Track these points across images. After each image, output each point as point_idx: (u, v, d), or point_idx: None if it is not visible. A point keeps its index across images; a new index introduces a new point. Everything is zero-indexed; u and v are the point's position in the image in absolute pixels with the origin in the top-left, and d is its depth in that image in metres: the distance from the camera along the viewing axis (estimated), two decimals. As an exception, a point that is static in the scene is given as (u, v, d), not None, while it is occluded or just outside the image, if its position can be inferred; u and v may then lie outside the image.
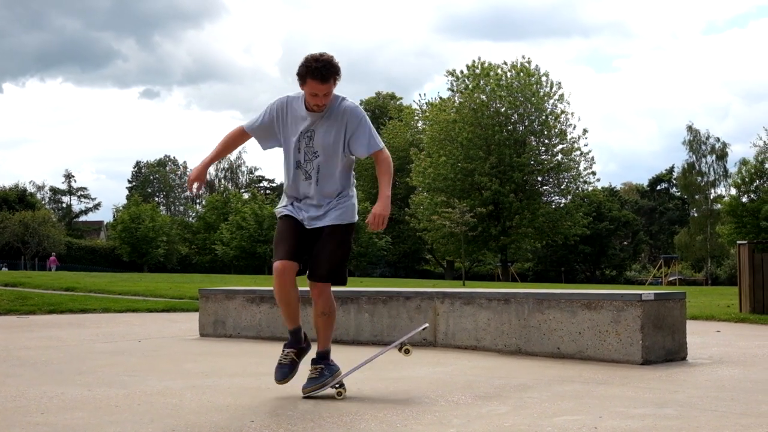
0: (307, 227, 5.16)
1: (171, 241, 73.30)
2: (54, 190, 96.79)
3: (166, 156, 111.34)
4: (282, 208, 5.30)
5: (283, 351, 5.28)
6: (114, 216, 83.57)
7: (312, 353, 5.37)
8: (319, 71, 4.92)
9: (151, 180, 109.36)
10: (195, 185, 5.31)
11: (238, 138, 5.40)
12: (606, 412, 4.56)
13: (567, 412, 4.62)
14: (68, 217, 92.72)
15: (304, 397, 5.12)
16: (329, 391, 5.15)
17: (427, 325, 5.88)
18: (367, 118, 5.22)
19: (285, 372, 5.22)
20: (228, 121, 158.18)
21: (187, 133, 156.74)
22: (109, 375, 6.25)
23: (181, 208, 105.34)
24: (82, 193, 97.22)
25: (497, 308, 7.70)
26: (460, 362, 6.97)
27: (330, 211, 5.17)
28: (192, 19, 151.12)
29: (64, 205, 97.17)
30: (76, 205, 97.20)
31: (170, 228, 73.97)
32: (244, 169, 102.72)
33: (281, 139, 5.25)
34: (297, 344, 5.30)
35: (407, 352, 5.34)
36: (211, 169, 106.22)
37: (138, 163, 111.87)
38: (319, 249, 5.18)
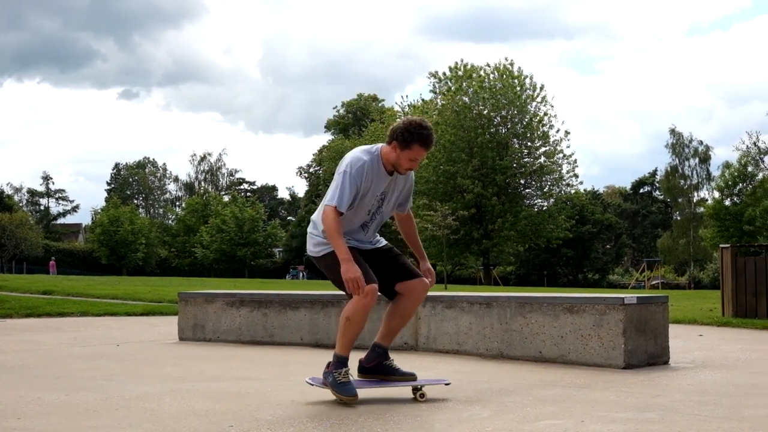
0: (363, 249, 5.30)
1: (150, 244, 73.10)
2: (31, 192, 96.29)
3: (145, 158, 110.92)
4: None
5: (338, 371, 5.06)
6: (92, 218, 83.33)
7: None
8: (428, 138, 5.10)
9: (131, 182, 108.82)
10: (361, 281, 5.00)
11: (340, 221, 5.07)
12: (588, 417, 4.58)
13: (549, 416, 4.64)
14: (46, 220, 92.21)
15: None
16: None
17: (449, 381, 5.49)
18: None
19: (353, 387, 5.04)
20: (208, 122, 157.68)
21: (166, 135, 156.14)
22: (87, 379, 6.21)
23: (161, 210, 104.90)
24: (60, 195, 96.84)
25: (479, 312, 7.72)
26: (441, 366, 6.97)
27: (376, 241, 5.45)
28: (172, 20, 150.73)
29: (41, 208, 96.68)
30: (54, 208, 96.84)
31: (149, 231, 73.78)
32: (224, 171, 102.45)
33: (356, 201, 5.14)
34: (346, 366, 5.12)
35: (422, 396, 5.19)
36: (191, 171, 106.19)
37: (117, 165, 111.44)
38: (392, 253, 5.44)
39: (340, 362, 5.09)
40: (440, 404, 5.04)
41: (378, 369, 5.34)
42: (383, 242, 5.47)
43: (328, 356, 5.42)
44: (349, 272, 4.95)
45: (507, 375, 6.42)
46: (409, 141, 5.07)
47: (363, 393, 5.15)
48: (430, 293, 6.74)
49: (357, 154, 5.19)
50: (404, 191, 5.41)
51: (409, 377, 5.30)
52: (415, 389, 5.24)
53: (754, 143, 60.48)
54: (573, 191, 63.73)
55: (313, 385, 5.23)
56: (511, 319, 7.46)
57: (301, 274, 68.21)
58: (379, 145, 5.30)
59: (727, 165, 60.00)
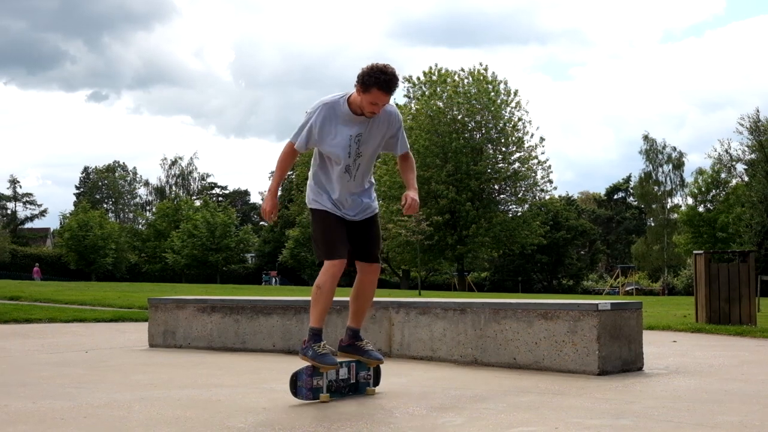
0: (349, 220, 5.60)
1: (120, 249, 72.64)
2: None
3: (115, 161, 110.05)
4: (322, 203, 5.58)
5: (315, 344, 5.44)
6: (61, 223, 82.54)
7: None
8: (387, 83, 5.28)
9: (100, 186, 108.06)
10: (273, 215, 5.61)
11: (292, 157, 5.63)
12: (562, 423, 4.60)
13: (523, 423, 4.65)
14: (13, 224, 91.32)
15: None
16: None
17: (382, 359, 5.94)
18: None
19: (332, 357, 5.43)
20: (178, 126, 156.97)
21: (136, 138, 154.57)
22: (55, 387, 6.16)
23: (131, 215, 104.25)
24: (28, 199, 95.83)
25: (453, 318, 7.73)
26: (415, 373, 6.97)
27: (365, 202, 5.68)
28: (142, 21, 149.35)
29: (8, 212, 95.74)
30: (22, 212, 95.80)
31: (119, 235, 73.32)
32: (196, 175, 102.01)
33: (320, 143, 5.50)
34: (322, 339, 5.49)
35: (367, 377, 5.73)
36: (162, 175, 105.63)
37: (86, 169, 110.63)
38: (369, 235, 5.69)
39: (316, 335, 5.46)
40: (414, 411, 5.04)
41: (351, 349, 5.74)
42: (371, 212, 5.72)
43: (301, 363, 5.43)
44: (265, 203, 5.50)
45: (481, 381, 6.43)
46: (368, 85, 5.29)
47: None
48: (403, 299, 6.79)
49: (324, 98, 5.53)
50: (388, 133, 5.61)
51: (375, 361, 5.73)
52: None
53: (726, 150, 61.10)
54: (547, 197, 64.08)
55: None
56: (485, 325, 7.48)
57: (273, 280, 68.09)
58: (346, 92, 5.52)
59: (700, 171, 60.64)
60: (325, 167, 5.59)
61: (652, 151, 70.22)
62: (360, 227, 5.67)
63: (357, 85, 5.36)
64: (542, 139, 57.49)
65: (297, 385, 5.39)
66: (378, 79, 5.25)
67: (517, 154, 57.07)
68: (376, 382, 5.86)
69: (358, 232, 5.66)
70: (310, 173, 5.74)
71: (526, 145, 56.89)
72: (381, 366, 5.88)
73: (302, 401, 5.36)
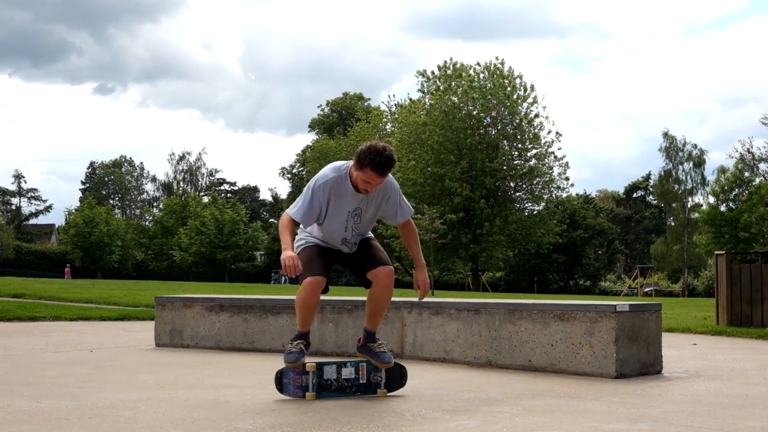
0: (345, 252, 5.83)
1: (126, 246, 72.80)
2: (2, 192, 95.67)
3: (122, 156, 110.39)
4: (310, 241, 5.79)
5: (292, 342, 5.76)
6: (66, 219, 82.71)
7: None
8: (380, 166, 5.43)
9: (106, 181, 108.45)
10: (299, 266, 5.53)
11: (294, 228, 5.72)
12: (578, 427, 4.59)
13: (538, 427, 4.65)
14: (17, 220, 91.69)
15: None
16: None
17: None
18: (399, 188, 5.89)
19: (296, 356, 5.69)
20: (186, 120, 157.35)
21: (143, 133, 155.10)
22: (59, 386, 6.19)
23: (137, 211, 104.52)
24: (33, 194, 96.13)
25: (467, 319, 7.73)
26: (428, 375, 6.98)
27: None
28: (149, 13, 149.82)
29: (13, 207, 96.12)
30: (26, 208, 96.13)
31: (125, 232, 73.47)
32: (204, 170, 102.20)
33: (323, 214, 5.66)
34: (305, 339, 5.79)
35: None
36: (169, 170, 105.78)
37: (92, 164, 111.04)
38: (368, 248, 5.84)
39: (297, 335, 5.80)
40: (426, 414, 5.04)
41: (365, 350, 5.90)
42: (363, 238, 5.90)
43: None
44: (284, 257, 5.44)
45: (495, 384, 6.43)
46: (363, 164, 5.45)
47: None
48: (415, 299, 6.84)
49: (326, 170, 5.68)
50: (384, 205, 5.77)
51: (384, 364, 5.83)
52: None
53: (748, 150, 60.82)
54: (564, 195, 63.89)
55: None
56: (499, 326, 7.47)
57: (283, 279, 68.14)
58: (350, 162, 5.66)
59: (722, 170, 60.31)
60: (329, 237, 5.77)
61: (672, 148, 69.91)
62: (357, 252, 5.86)
63: (354, 160, 5.53)
64: (559, 135, 57.25)
65: (283, 382, 5.71)
66: (372, 161, 5.40)
67: (534, 151, 56.84)
68: (391, 386, 5.90)
69: (356, 255, 5.85)
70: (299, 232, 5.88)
71: (543, 142, 56.70)
72: (403, 370, 5.95)
73: (288, 397, 5.67)
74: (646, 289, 60.75)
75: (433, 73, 58.54)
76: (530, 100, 56.33)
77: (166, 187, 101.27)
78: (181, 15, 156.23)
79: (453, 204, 53.61)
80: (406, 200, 5.89)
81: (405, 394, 5.87)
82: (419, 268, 5.95)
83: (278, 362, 7.96)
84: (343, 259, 5.87)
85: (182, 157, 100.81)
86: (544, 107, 64.16)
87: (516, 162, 56.87)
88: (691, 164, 70.08)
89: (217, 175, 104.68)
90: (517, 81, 56.32)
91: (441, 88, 57.02)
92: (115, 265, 70.95)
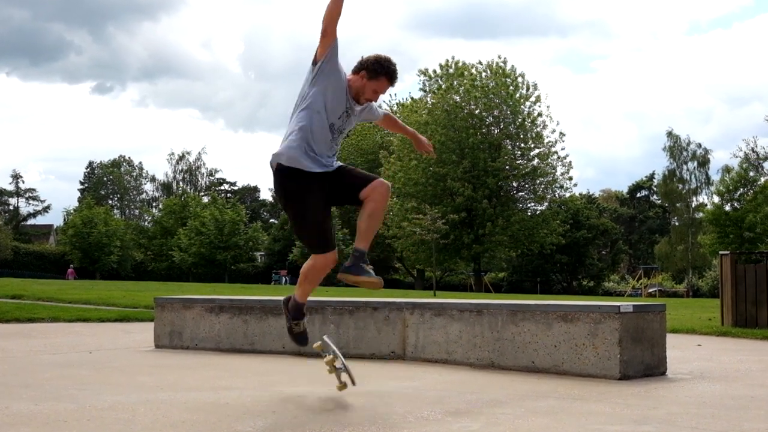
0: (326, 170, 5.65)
1: (125, 246, 72.80)
2: (0, 192, 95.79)
3: (120, 156, 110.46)
4: (299, 160, 5.52)
5: (296, 322, 6.02)
6: (65, 219, 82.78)
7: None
8: (394, 74, 5.62)
9: (105, 181, 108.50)
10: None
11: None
12: (582, 429, 4.59)
13: (541, 429, 4.64)
14: (15, 221, 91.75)
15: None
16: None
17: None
18: None
19: (307, 336, 6.06)
20: (186, 119, 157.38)
21: (142, 132, 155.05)
22: (58, 388, 6.18)
23: (137, 211, 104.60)
24: (31, 194, 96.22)
25: (469, 320, 7.72)
26: (430, 376, 6.97)
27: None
28: (148, 11, 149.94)
29: (11, 208, 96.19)
30: (24, 208, 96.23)
31: (124, 233, 73.49)
32: (203, 170, 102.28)
33: (327, 86, 5.57)
34: (303, 316, 6.03)
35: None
36: (169, 170, 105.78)
37: (90, 164, 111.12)
38: (349, 171, 5.76)
39: (299, 310, 5.99)
40: (428, 416, 5.04)
41: (354, 269, 5.75)
42: (338, 164, 5.82)
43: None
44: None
45: (498, 385, 6.42)
46: (378, 72, 5.57)
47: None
48: (417, 300, 6.79)
49: None
50: (362, 114, 5.86)
51: (374, 284, 5.79)
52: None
53: (752, 149, 60.81)
54: (567, 195, 63.91)
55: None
56: (502, 327, 7.47)
57: (283, 279, 68.13)
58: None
59: (727, 169, 60.30)
60: (319, 121, 5.56)
61: (676, 147, 69.98)
62: (337, 174, 5.69)
63: (363, 71, 5.58)
64: (562, 134, 57.26)
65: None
66: (388, 70, 5.56)
67: (537, 150, 56.89)
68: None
69: (337, 178, 5.67)
70: (294, 125, 5.64)
71: (546, 141, 56.73)
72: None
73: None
74: (650, 290, 60.77)
75: (435, 72, 58.68)
76: (533, 99, 56.44)
77: (166, 187, 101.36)
78: (180, 13, 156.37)
79: (455, 204, 53.64)
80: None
81: (407, 395, 5.87)
82: (413, 134, 6.30)
83: (279, 364, 7.98)
84: (332, 197, 5.69)
85: (182, 157, 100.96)
86: (547, 106, 64.29)
87: (518, 161, 56.93)
88: (696, 163, 70.17)
89: (217, 175, 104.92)
90: (520, 80, 56.40)
91: (443, 87, 57.10)
92: (114, 266, 70.97)
